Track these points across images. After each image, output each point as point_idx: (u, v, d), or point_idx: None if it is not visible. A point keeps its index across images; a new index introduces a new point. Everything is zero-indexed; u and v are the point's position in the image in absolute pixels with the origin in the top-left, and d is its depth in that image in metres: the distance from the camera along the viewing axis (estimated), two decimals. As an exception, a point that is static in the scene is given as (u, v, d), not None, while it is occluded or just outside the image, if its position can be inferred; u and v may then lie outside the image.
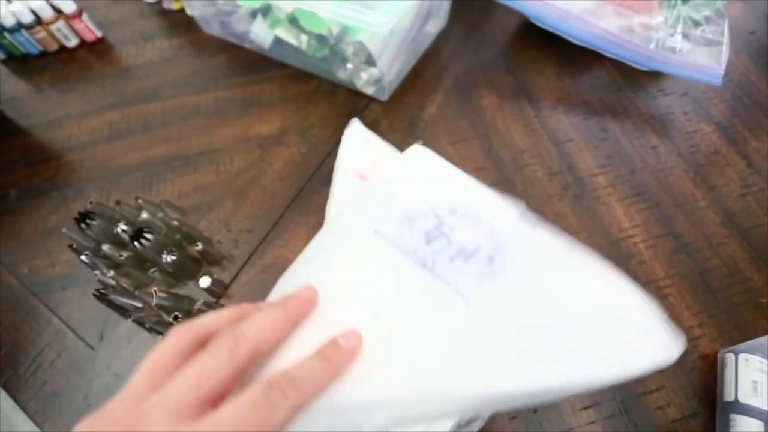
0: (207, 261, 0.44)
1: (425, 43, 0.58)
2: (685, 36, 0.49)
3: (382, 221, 0.30)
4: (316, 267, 0.29)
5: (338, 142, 0.47)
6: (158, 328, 0.38)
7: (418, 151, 0.36)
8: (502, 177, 0.46)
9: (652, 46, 0.49)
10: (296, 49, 0.54)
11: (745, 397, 0.34)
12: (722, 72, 0.48)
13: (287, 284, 0.29)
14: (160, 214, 0.44)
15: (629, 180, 0.46)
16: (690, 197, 0.46)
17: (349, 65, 0.53)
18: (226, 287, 0.42)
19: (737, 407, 0.34)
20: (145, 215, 0.43)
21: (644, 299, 0.28)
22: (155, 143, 0.53)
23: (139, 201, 0.44)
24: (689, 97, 0.53)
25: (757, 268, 0.42)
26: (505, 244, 0.30)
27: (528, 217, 0.32)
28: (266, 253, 0.44)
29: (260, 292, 0.42)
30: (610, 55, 0.51)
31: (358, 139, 0.43)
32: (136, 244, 0.39)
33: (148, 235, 0.40)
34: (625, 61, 0.50)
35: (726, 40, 0.49)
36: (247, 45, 0.60)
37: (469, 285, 0.27)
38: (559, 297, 0.28)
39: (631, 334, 0.27)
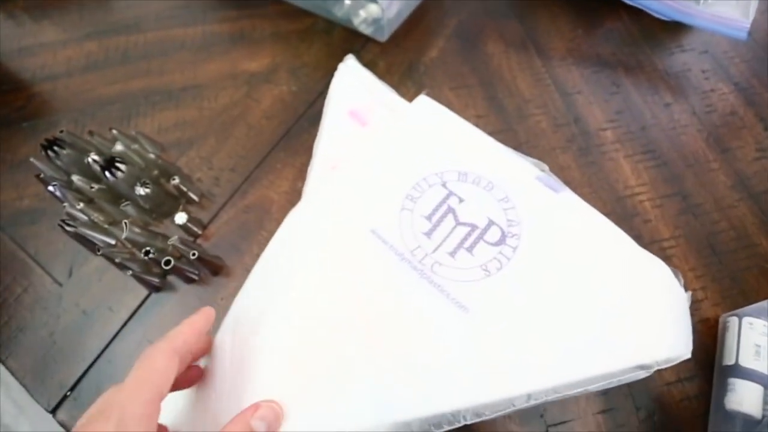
0: (185, 198, 0.41)
1: (430, -17, 0.53)
2: (711, -14, 0.45)
3: (379, 215, 0.27)
4: (306, 266, 0.27)
5: (331, 82, 0.44)
6: (129, 264, 0.35)
7: (424, 103, 0.32)
8: (504, 126, 0.43)
9: (675, -6, 0.45)
10: (291, -18, 0.50)
11: (747, 361, 0.32)
12: (748, 25, 0.44)
13: (272, 280, 0.27)
14: (136, 146, 0.41)
15: (639, 137, 0.44)
16: (702, 158, 0.43)
17: (347, 1, 0.49)
18: (205, 226, 0.40)
19: (737, 371, 0.32)
20: (119, 147, 0.40)
21: (674, 284, 0.26)
22: (135, 76, 0.49)
23: (114, 132, 0.41)
24: (709, 54, 0.49)
25: (766, 233, 0.39)
26: (520, 215, 0.27)
27: (550, 180, 0.29)
28: (249, 193, 0.41)
29: (240, 233, 0.39)
30: (629, 2, 0.47)
31: (352, 76, 0.40)
32: (107, 174, 0.36)
33: (120, 166, 0.37)
34: (645, 9, 0.47)
35: (754, -8, 0.45)
36: (238, -23, 0.55)
37: (470, 288, 0.25)
38: (580, 276, 0.25)
39: (653, 321, 0.24)
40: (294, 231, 0.28)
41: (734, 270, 0.38)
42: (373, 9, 0.47)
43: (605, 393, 0.34)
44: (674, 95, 0.46)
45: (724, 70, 0.48)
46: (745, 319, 0.33)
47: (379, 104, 0.38)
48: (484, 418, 0.22)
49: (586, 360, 0.23)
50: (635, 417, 0.33)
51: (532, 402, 0.22)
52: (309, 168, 0.34)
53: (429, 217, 0.27)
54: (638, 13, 0.49)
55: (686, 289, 0.26)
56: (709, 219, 0.40)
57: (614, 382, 0.23)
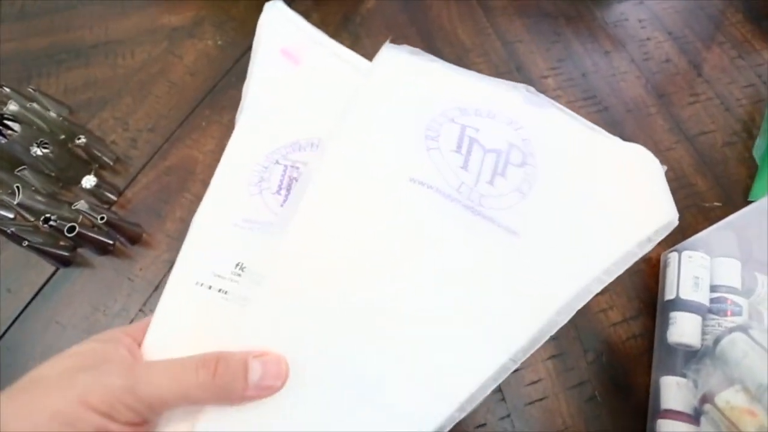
0: (98, 163, 0.36)
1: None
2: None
3: (410, 160, 0.25)
4: (345, 228, 0.24)
5: (258, 22, 0.40)
6: (27, 236, 0.31)
7: (392, 51, 0.30)
8: (445, 75, 0.42)
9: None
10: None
11: (686, 293, 0.32)
12: (679, -28, 0.44)
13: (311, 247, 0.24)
14: (33, 105, 0.36)
15: (580, 83, 0.43)
16: (640, 103, 0.43)
17: (275, -52, 0.45)
18: (120, 192, 0.36)
19: (677, 304, 0.32)
20: (13, 107, 0.35)
21: (655, 162, 0.28)
22: (35, 33, 0.43)
23: (6, 89, 0.36)
24: (645, 5, 0.50)
25: (701, 173, 0.40)
26: (529, 134, 0.27)
27: (534, 99, 0.29)
28: (170, 154, 0.37)
29: (160, 196, 0.35)
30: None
31: (280, 16, 0.36)
32: (-4, 134, 0.32)
33: (12, 125, 0.32)
34: (582, -41, 0.46)
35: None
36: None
37: (515, 212, 0.24)
38: (585, 177, 0.26)
39: (642, 197, 0.26)
40: (324, 204, 0.25)
41: (674, 210, 0.38)
42: (304, -44, 0.44)
43: (554, 338, 0.33)
44: (613, 44, 0.46)
45: (659, 19, 0.49)
46: (685, 253, 0.34)
47: (312, 42, 0.36)
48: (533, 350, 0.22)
49: (608, 249, 0.24)
50: (583, 359, 0.32)
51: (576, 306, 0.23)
52: (238, 112, 0.31)
53: (458, 150, 0.26)
54: (576, -37, 0.48)
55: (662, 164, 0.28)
56: (649, 162, 0.40)
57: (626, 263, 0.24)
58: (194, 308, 0.23)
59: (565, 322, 0.22)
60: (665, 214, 0.25)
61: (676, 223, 0.24)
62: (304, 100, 0.32)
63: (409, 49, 0.30)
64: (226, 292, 0.23)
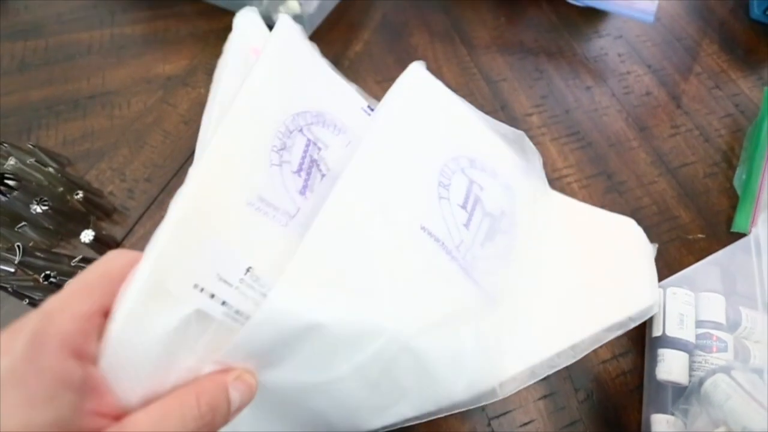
0: (95, 215, 0.37)
1: (352, -23, 0.52)
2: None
3: (423, 206, 0.24)
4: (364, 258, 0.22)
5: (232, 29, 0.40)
6: (29, 292, 0.32)
7: (418, 73, 0.28)
8: (432, 117, 0.43)
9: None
10: (204, -22, 0.47)
11: (672, 330, 0.33)
12: (654, 9, 0.46)
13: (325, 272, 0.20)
14: (32, 160, 0.37)
15: (563, 120, 0.45)
16: (622, 137, 0.44)
17: (265, -3, 0.47)
18: (119, 243, 0.36)
19: (665, 341, 0.33)
20: (12, 162, 0.36)
21: (641, 236, 0.29)
22: (35, 85, 0.45)
23: (5, 146, 0.37)
24: (623, 39, 0.51)
25: (684, 205, 0.41)
26: (517, 203, 0.28)
27: (529, 170, 0.30)
28: (166, 204, 0.37)
29: (158, 246, 0.36)
30: (545, -9, 0.48)
31: (252, 22, 0.35)
32: (-4, 193, 0.33)
33: (12, 183, 0.33)
34: (560, -3, 0.48)
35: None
36: (148, -25, 0.52)
37: (497, 280, 0.25)
38: (568, 251, 0.27)
39: (625, 276, 0.27)
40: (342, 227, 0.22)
41: (658, 243, 0.39)
42: (293, 5, 0.46)
43: (544, 378, 0.34)
44: (594, 79, 0.48)
45: (637, 53, 0.50)
46: (669, 290, 0.34)
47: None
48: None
49: (588, 321, 0.25)
50: (574, 398, 0.33)
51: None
52: (204, 114, 0.29)
53: (464, 206, 0.25)
54: (556, 1, 0.50)
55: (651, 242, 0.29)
56: (633, 195, 0.41)
57: (603, 341, 0.25)
58: (179, 319, 0.17)
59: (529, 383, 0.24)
60: (646, 298, 0.25)
61: (657, 308, 0.25)
62: (309, 75, 0.28)
63: (434, 79, 0.28)
64: (232, 308, 0.18)
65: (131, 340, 0.16)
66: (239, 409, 0.18)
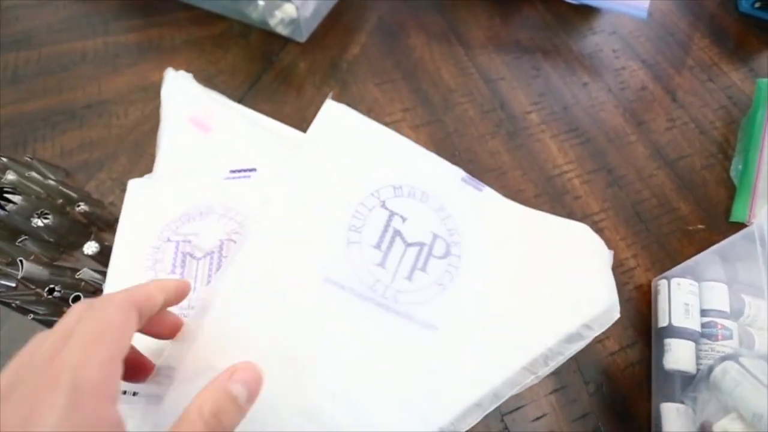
0: (97, 226, 0.37)
1: (346, -20, 0.52)
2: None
3: (327, 257, 0.25)
4: (261, 330, 0.23)
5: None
6: (32, 307, 0.31)
7: (333, 109, 0.29)
8: (431, 117, 0.43)
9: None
10: (199, -15, 0.47)
11: (678, 320, 0.33)
12: (647, 5, 0.47)
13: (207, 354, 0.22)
14: (31, 173, 0.36)
15: (562, 117, 0.45)
16: (620, 132, 0.45)
17: (261, 2, 0.47)
18: (122, 254, 0.36)
19: (671, 331, 0.33)
20: (10, 176, 0.36)
21: (597, 241, 0.28)
22: (29, 97, 0.44)
23: (2, 159, 0.36)
24: (617, 35, 0.52)
25: (683, 197, 0.42)
26: (457, 222, 0.27)
27: (473, 180, 0.30)
28: (169, 212, 0.38)
29: (163, 255, 0.36)
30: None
31: (183, 85, 0.38)
32: (-4, 207, 0.32)
33: (12, 197, 0.33)
34: (555, -5, 0.48)
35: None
36: (141, -17, 0.51)
37: (432, 306, 0.25)
38: (518, 262, 0.26)
39: (579, 282, 0.26)
40: (239, 292, 0.24)
41: (660, 235, 0.40)
42: (289, 9, 0.46)
43: (555, 373, 0.34)
44: (590, 75, 0.48)
45: (632, 48, 0.51)
46: (673, 281, 0.35)
47: (222, 106, 0.36)
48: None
49: (541, 335, 0.24)
50: (585, 391, 0.33)
51: (503, 396, 0.24)
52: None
53: (378, 246, 0.26)
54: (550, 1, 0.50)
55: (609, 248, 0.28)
56: (633, 189, 0.42)
57: (567, 354, 0.25)
58: None
59: (493, 408, 0.24)
60: (601, 303, 0.24)
61: (617, 313, 0.24)
62: (208, 166, 0.32)
63: (352, 112, 0.29)
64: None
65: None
66: (251, 397, 0.19)
